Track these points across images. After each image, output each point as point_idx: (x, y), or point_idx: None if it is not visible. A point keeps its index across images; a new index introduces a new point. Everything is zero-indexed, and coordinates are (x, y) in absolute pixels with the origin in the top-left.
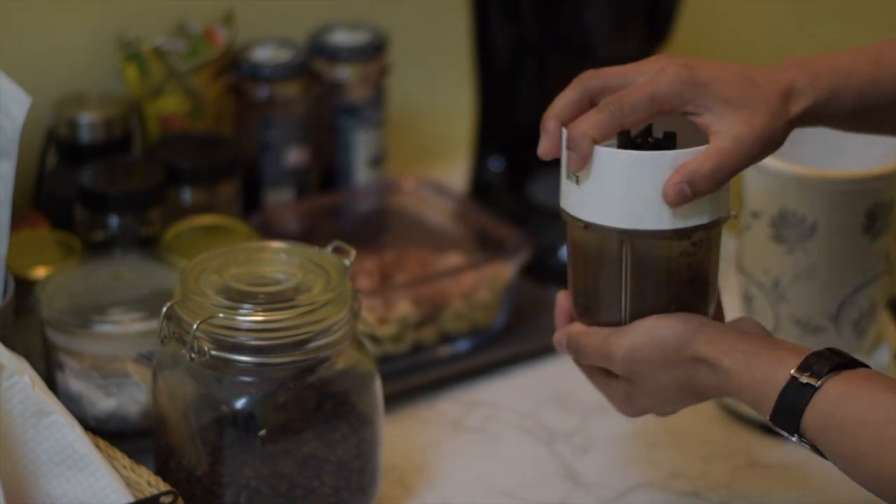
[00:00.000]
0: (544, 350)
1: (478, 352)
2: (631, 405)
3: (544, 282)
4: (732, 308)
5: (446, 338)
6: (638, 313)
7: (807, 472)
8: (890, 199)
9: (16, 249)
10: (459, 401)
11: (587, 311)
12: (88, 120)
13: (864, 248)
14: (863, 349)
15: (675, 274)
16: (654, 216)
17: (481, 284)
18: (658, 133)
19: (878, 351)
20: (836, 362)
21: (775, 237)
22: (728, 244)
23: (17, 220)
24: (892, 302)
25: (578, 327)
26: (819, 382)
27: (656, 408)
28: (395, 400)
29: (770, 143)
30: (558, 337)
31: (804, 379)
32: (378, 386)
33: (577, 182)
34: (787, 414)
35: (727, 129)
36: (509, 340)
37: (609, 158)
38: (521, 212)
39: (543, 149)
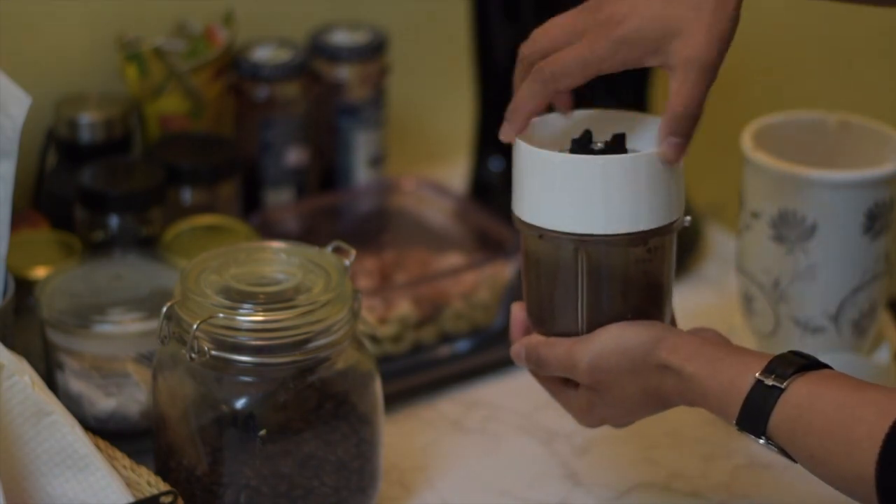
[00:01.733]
0: None
1: (478, 352)
2: (591, 415)
3: None
4: (732, 308)
5: (446, 338)
6: (594, 322)
7: (807, 473)
8: (890, 199)
9: (16, 249)
10: (459, 401)
11: (543, 322)
12: (88, 120)
13: (864, 248)
14: (863, 349)
15: (631, 282)
16: (610, 220)
17: (481, 284)
18: (607, 136)
19: (878, 351)
20: (800, 364)
21: (775, 237)
22: (728, 244)
23: (17, 220)
24: (892, 302)
25: (537, 338)
26: (785, 384)
27: (617, 418)
28: (395, 400)
29: (722, 43)
30: (516, 349)
31: (769, 381)
32: (378, 386)
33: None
34: (754, 417)
35: (674, 61)
36: (509, 340)
37: (562, 163)
38: None
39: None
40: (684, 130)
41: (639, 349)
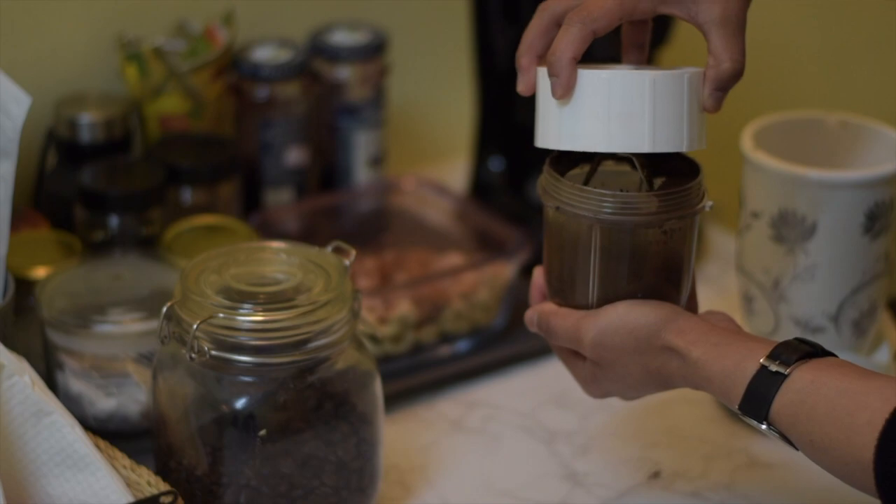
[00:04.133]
0: (544, 350)
1: (478, 352)
2: (597, 387)
3: None
4: (732, 308)
5: (446, 338)
6: (605, 299)
7: (807, 472)
8: (890, 199)
9: (16, 249)
10: (459, 401)
11: (557, 292)
12: (88, 120)
13: (864, 248)
14: (863, 349)
15: (645, 262)
16: (613, 136)
17: (481, 284)
18: None
19: (878, 351)
20: (804, 351)
21: (775, 237)
22: (728, 244)
23: (17, 220)
24: (892, 302)
25: (550, 307)
26: (788, 370)
27: (621, 392)
28: (395, 400)
29: None
30: (529, 315)
31: (773, 367)
32: (378, 386)
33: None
34: (757, 402)
35: (704, 18)
36: (509, 340)
37: (588, 79)
38: (521, 212)
39: (522, 86)
40: (729, 85)
41: (644, 329)
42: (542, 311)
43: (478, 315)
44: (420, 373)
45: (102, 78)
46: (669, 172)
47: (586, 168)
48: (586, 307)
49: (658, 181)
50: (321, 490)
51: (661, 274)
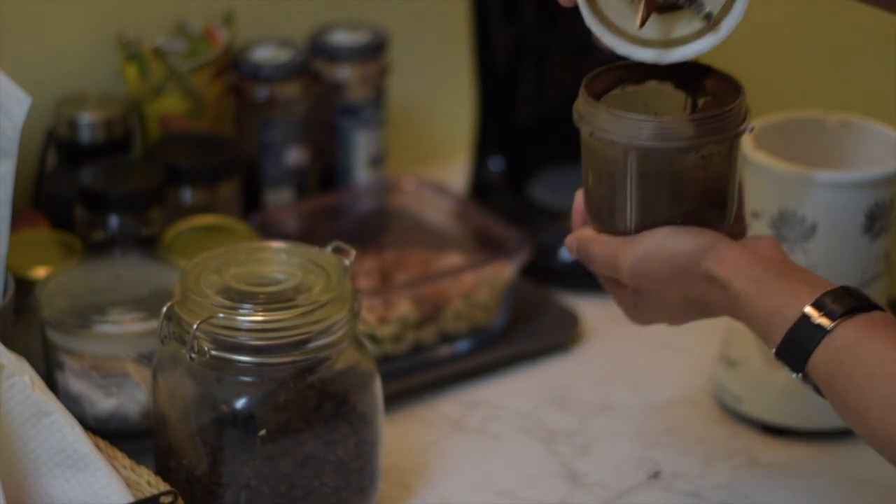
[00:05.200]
0: (544, 350)
1: (478, 352)
2: (640, 314)
3: (544, 282)
4: None
5: (446, 338)
6: (644, 225)
7: (807, 473)
8: (890, 199)
9: (16, 249)
10: (459, 401)
11: (596, 217)
12: (88, 120)
13: (864, 248)
14: None
15: (684, 188)
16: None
17: (481, 284)
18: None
19: None
20: (850, 305)
21: (775, 237)
22: None
23: (17, 220)
24: (892, 302)
25: (589, 233)
26: (832, 325)
27: (664, 319)
28: (395, 400)
29: None
30: (569, 241)
31: (816, 319)
32: (378, 386)
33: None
34: (795, 353)
35: None
36: (509, 340)
37: None
38: (521, 212)
39: None
40: None
41: (683, 257)
42: (581, 238)
43: (478, 315)
44: (420, 373)
45: (102, 78)
46: (710, 93)
47: (627, 87)
48: (625, 233)
49: (701, 100)
50: (321, 490)
51: (702, 199)
